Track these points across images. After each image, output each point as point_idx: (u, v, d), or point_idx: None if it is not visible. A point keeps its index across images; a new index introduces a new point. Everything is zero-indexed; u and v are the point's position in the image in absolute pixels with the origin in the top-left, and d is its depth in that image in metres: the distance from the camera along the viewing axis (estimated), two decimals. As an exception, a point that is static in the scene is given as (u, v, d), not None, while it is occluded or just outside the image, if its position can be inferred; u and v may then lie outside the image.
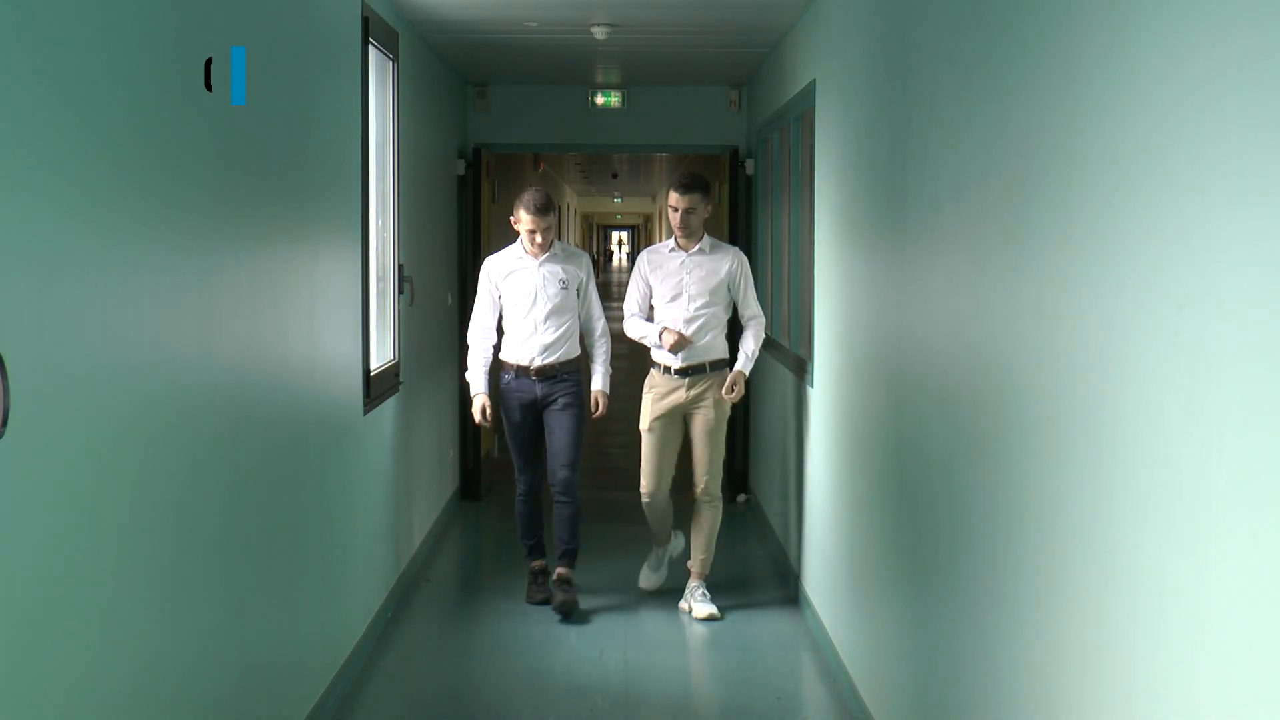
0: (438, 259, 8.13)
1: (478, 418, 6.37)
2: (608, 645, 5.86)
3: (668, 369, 6.27)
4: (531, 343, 6.27)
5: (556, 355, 6.28)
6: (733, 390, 6.18)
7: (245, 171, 3.88)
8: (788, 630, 6.13)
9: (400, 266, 6.66)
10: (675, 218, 6.26)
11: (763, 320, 6.34)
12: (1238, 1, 1.90)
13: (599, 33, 7.07)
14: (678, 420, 6.32)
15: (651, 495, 6.39)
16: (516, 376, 6.28)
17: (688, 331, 6.18)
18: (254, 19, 4.00)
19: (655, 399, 6.30)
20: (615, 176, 21.04)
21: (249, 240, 3.90)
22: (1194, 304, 2.01)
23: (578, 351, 6.38)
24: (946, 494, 3.58)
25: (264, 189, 4.08)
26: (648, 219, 36.10)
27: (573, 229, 28.53)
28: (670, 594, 6.57)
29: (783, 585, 6.78)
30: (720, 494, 6.46)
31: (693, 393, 6.25)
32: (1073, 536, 2.56)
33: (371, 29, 5.75)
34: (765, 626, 6.20)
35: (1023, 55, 2.90)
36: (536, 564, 6.51)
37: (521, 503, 6.50)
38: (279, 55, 4.27)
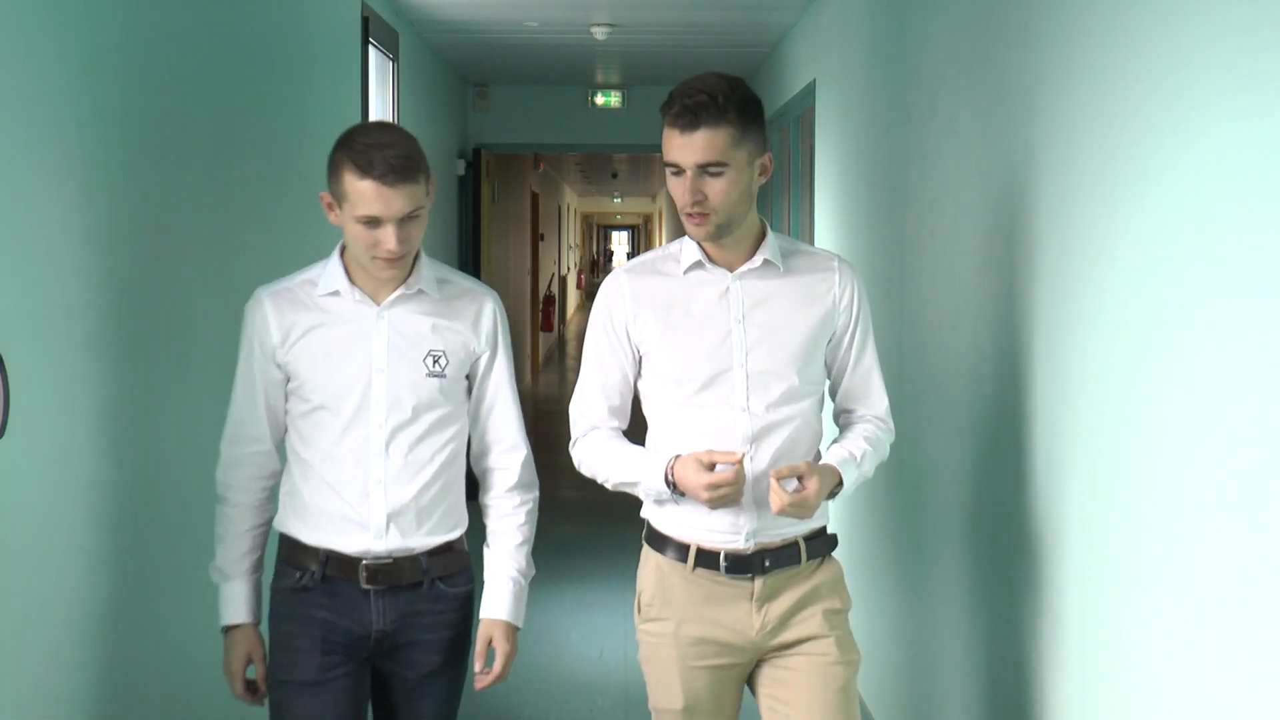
0: (437, 259, 8.13)
1: (236, 689, 2.73)
2: (608, 645, 5.86)
3: (706, 557, 2.63)
4: (359, 499, 2.65)
5: (419, 532, 2.67)
6: (801, 487, 2.53)
7: (245, 172, 3.88)
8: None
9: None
10: (681, 190, 2.53)
11: (890, 424, 2.79)
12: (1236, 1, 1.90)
13: (599, 33, 7.07)
14: (735, 684, 2.72)
15: None
16: (324, 581, 2.66)
17: (759, 461, 2.62)
18: (254, 19, 4.00)
19: (680, 641, 2.66)
20: (615, 176, 21.04)
21: (249, 241, 3.89)
22: (1199, 301, 2.01)
23: (464, 521, 2.78)
24: (946, 493, 3.58)
25: (264, 190, 4.08)
26: (648, 219, 36.12)
27: (572, 229, 28.48)
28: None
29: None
30: None
31: (778, 611, 2.65)
32: (1070, 530, 2.57)
33: (371, 29, 5.75)
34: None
35: (1023, 54, 2.90)
36: None
37: None
38: (279, 55, 4.27)
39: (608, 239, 56.52)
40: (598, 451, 2.71)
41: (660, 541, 2.67)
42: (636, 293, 2.66)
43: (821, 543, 2.71)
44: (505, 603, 2.75)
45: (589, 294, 36.38)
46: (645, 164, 18.48)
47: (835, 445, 2.67)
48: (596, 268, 47.17)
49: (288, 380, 2.67)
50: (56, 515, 2.64)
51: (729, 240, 2.60)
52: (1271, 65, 1.78)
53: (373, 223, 2.51)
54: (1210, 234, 1.97)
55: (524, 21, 6.98)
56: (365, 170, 2.48)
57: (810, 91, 6.23)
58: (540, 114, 9.53)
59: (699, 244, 2.62)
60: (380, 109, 6.33)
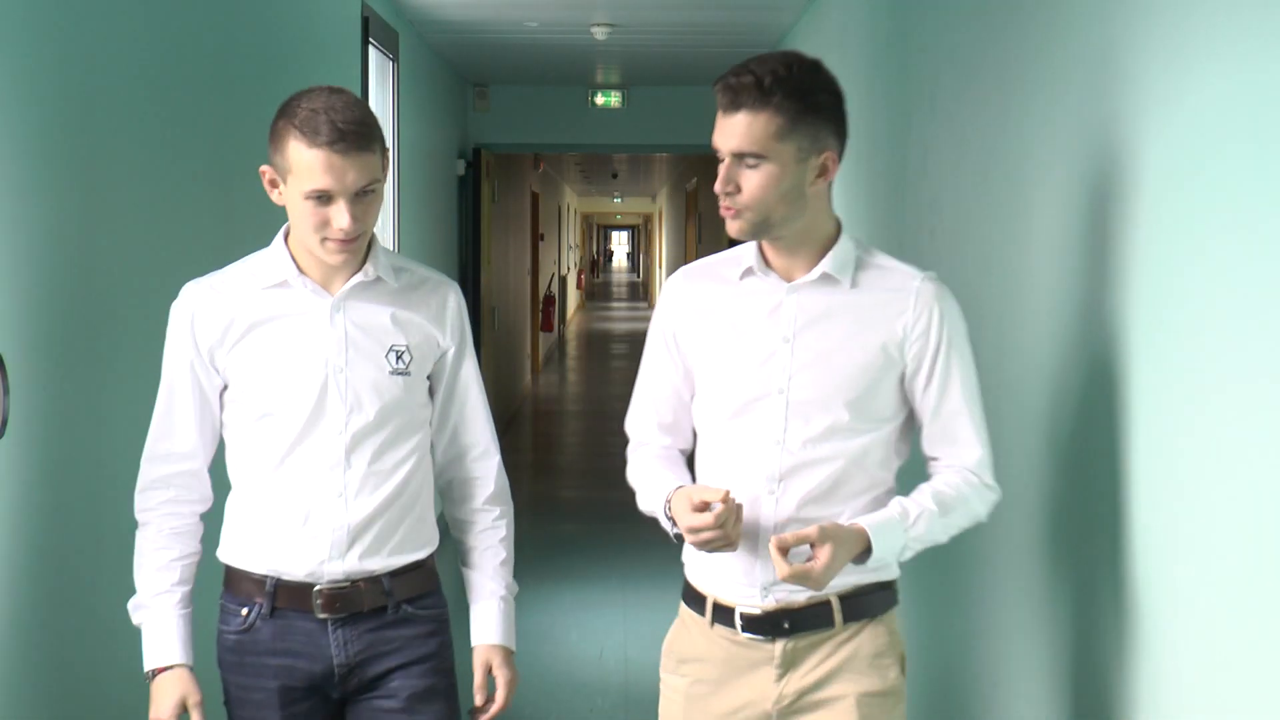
0: (437, 260, 8.13)
1: None
2: (608, 645, 5.86)
3: (723, 612, 2.33)
4: (314, 516, 2.37)
5: (383, 551, 2.40)
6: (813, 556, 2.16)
7: (245, 172, 3.88)
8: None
9: (400, 266, 6.65)
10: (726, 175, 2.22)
11: (985, 478, 2.32)
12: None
13: (599, 33, 7.07)
14: None
15: None
16: (273, 615, 2.38)
17: (784, 504, 2.27)
18: (254, 18, 4.00)
19: (690, 699, 2.38)
20: (615, 176, 21.04)
21: (250, 240, 3.89)
22: (1194, 302, 2.01)
23: (433, 540, 2.50)
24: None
25: (263, 188, 4.08)
26: (648, 219, 36.13)
27: (572, 229, 28.48)
28: (670, 593, 6.56)
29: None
30: None
31: (798, 685, 2.30)
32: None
33: (371, 29, 5.75)
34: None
35: (1023, 53, 2.90)
36: None
37: None
38: (279, 55, 4.28)
39: (608, 239, 56.54)
40: (634, 473, 2.43)
41: (686, 590, 2.40)
42: (689, 298, 2.36)
43: (869, 602, 2.27)
44: (499, 626, 2.49)
45: (589, 294, 36.40)
46: (645, 164, 18.48)
47: (895, 500, 2.24)
48: (596, 268, 47.18)
49: (225, 388, 2.36)
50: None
51: (786, 244, 2.25)
52: (1273, 65, 1.78)
53: (322, 198, 2.21)
54: (1212, 233, 1.97)
55: (524, 21, 6.98)
56: (313, 137, 2.19)
57: (810, 91, 6.22)
58: (540, 114, 9.54)
59: (760, 247, 2.29)
60: (380, 109, 6.34)
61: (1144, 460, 2.16)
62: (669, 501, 2.24)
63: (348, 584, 2.35)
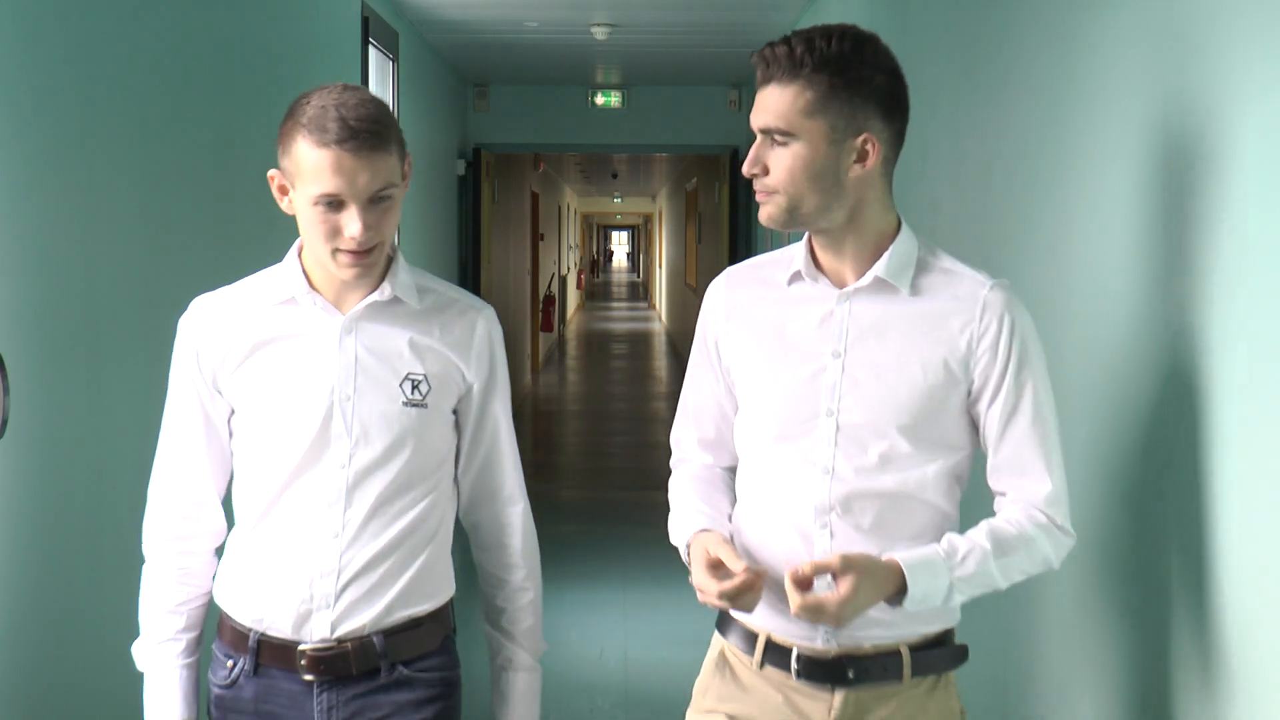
0: (437, 260, 8.13)
1: None
2: (608, 645, 5.85)
3: (777, 652, 2.05)
4: (305, 563, 2.13)
5: (378, 604, 2.15)
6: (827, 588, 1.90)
7: (244, 173, 3.88)
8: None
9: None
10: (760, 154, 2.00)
11: (1056, 517, 2.00)
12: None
13: (599, 33, 7.07)
14: None
15: None
16: (256, 672, 2.15)
17: (836, 539, 2.02)
18: (254, 18, 4.00)
19: None
20: (615, 176, 21.05)
21: (249, 241, 3.90)
22: (1193, 304, 2.01)
23: (446, 589, 2.28)
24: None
25: (265, 189, 4.08)
26: (648, 219, 36.14)
27: (572, 229, 28.48)
28: (670, 593, 6.56)
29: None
30: None
31: None
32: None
33: (371, 29, 5.75)
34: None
35: (1023, 54, 2.90)
36: None
37: None
38: (279, 54, 4.28)
39: (608, 239, 56.56)
40: (672, 497, 2.16)
41: (725, 622, 2.10)
42: (733, 303, 2.11)
43: (940, 655, 2.04)
44: (523, 704, 2.38)
45: (589, 294, 36.41)
46: (645, 164, 18.48)
47: (946, 535, 1.96)
48: (596, 268, 47.19)
49: (232, 413, 2.14)
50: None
51: (834, 241, 2.00)
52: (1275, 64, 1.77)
53: (333, 204, 2.00)
54: (1213, 232, 1.96)
55: (524, 21, 6.98)
56: (321, 136, 1.99)
57: (810, 91, 6.23)
58: (540, 114, 9.54)
59: (810, 247, 2.04)
60: (380, 109, 6.33)
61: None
62: (689, 545, 2.02)
63: (334, 645, 2.09)
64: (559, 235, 22.16)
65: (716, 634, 2.11)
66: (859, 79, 1.91)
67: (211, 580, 2.19)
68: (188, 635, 2.17)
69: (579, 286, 31.12)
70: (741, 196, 9.08)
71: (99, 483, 2.85)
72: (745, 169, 1.96)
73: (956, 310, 1.98)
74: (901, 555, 1.90)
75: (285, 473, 2.10)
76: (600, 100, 9.47)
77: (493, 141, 9.51)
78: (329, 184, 1.99)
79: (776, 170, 1.93)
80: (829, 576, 1.84)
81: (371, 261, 2.06)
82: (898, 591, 1.88)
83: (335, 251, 2.03)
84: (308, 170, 2.00)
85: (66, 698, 2.72)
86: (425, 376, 2.12)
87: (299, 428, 2.09)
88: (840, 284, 2.01)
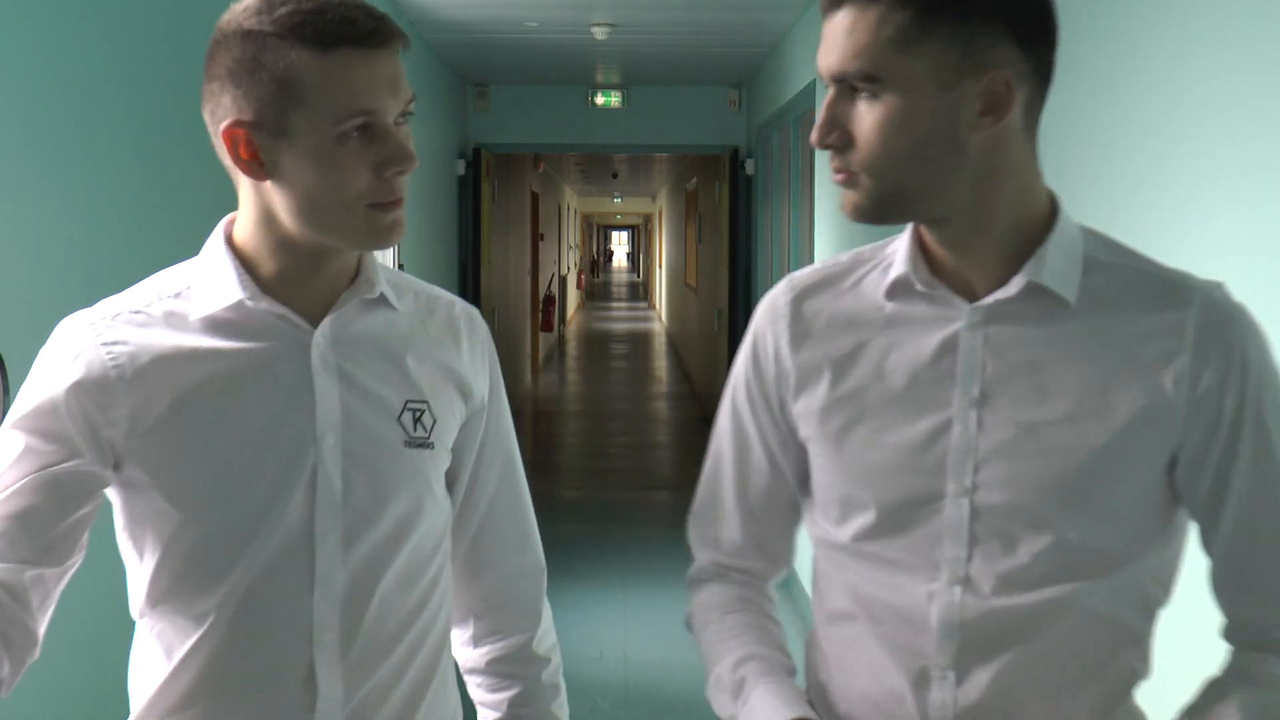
0: (437, 260, 8.14)
1: None
2: (608, 645, 5.86)
3: None
4: (283, 688, 1.43)
5: None
6: None
7: (245, 171, 3.89)
8: (784, 620, 6.13)
9: (400, 267, 6.67)
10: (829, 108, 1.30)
11: None
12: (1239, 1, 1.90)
13: (599, 33, 7.08)
14: None
15: None
16: None
17: (967, 689, 1.35)
18: (254, 19, 4.01)
19: None
20: (615, 176, 21.05)
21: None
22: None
23: (453, 700, 1.60)
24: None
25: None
26: (648, 219, 36.14)
27: (572, 229, 28.49)
28: (670, 593, 6.57)
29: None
30: None
31: None
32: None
33: (371, 29, 5.75)
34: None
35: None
36: None
37: None
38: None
39: (608, 239, 56.58)
40: (698, 630, 1.54)
41: None
42: (805, 327, 1.44)
43: None
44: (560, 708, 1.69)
45: (589, 294, 36.43)
46: (645, 164, 18.49)
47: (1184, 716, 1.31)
48: (596, 268, 47.22)
49: (125, 480, 1.43)
50: None
51: (957, 233, 1.34)
52: (1274, 64, 1.78)
53: (366, 130, 1.42)
54: (1212, 232, 1.96)
55: (524, 21, 6.98)
56: (331, 33, 1.37)
57: (810, 92, 6.24)
58: (540, 114, 9.54)
59: (918, 241, 1.39)
60: (380, 109, 6.34)
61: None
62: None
63: None
64: (559, 235, 22.17)
65: None
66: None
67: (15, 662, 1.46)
68: None
69: (579, 286, 31.14)
70: (741, 196, 9.08)
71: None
72: (814, 138, 1.32)
73: (1154, 332, 1.31)
74: None
75: (225, 558, 1.42)
76: (600, 100, 9.47)
77: (493, 141, 9.51)
78: (362, 98, 1.40)
79: (863, 136, 1.28)
80: None
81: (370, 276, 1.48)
82: None
83: (372, 207, 1.41)
84: (319, 91, 1.37)
85: (70, 691, 2.72)
86: (428, 405, 1.49)
87: (256, 491, 1.41)
88: (970, 296, 1.36)
